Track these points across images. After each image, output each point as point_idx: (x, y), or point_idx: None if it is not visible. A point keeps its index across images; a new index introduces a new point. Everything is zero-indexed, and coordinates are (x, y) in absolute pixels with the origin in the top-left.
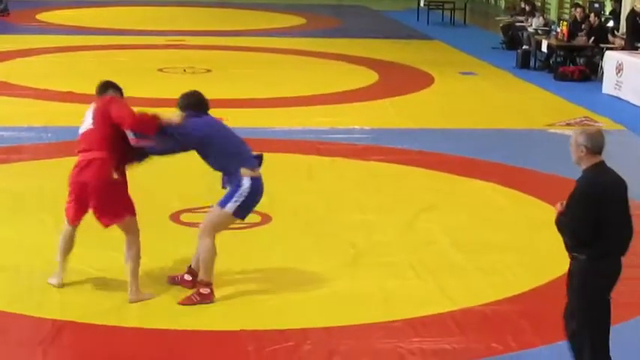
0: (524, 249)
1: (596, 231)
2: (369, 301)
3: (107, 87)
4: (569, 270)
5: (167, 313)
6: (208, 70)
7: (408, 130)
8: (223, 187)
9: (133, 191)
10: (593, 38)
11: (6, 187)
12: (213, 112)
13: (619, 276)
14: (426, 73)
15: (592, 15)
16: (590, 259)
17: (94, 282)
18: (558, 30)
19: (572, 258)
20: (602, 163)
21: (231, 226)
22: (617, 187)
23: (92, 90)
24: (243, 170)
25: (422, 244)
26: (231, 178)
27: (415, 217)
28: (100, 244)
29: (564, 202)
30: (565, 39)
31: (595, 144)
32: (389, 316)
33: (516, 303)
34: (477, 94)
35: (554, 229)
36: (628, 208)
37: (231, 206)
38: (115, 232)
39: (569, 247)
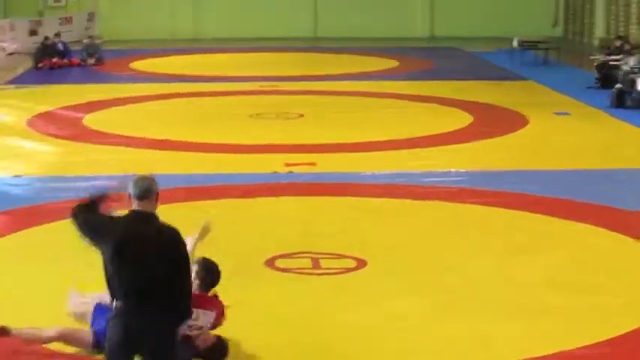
0: (622, 291)
1: None
2: (468, 344)
3: None
4: None
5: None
6: (301, 115)
7: (503, 171)
8: None
9: (229, 236)
10: None
11: None
12: (307, 157)
13: None
14: (520, 114)
15: None
16: None
17: None
18: None
19: None
20: None
21: (327, 271)
22: None
23: (187, 137)
24: None
25: (518, 286)
26: None
27: (511, 258)
28: None
29: None
30: None
31: None
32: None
33: (616, 346)
34: (571, 134)
35: None
36: None
37: None
38: None
39: None
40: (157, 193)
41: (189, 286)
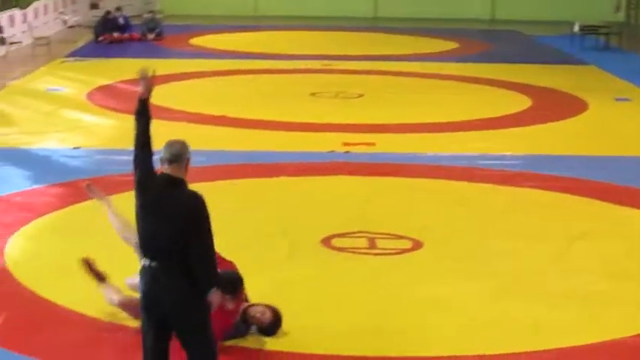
0: None
1: None
2: (519, 329)
3: None
4: None
5: (316, 338)
6: (360, 95)
7: (561, 156)
8: None
9: (286, 214)
10: None
11: None
12: (366, 137)
13: None
14: (579, 99)
15: None
16: None
17: None
18: None
19: None
20: None
21: (383, 251)
22: None
23: (246, 113)
24: None
25: (574, 273)
26: None
27: (567, 245)
28: None
29: None
30: None
31: None
32: (539, 346)
33: None
34: (632, 120)
35: None
36: None
37: None
38: None
39: None
40: (188, 159)
41: (209, 253)
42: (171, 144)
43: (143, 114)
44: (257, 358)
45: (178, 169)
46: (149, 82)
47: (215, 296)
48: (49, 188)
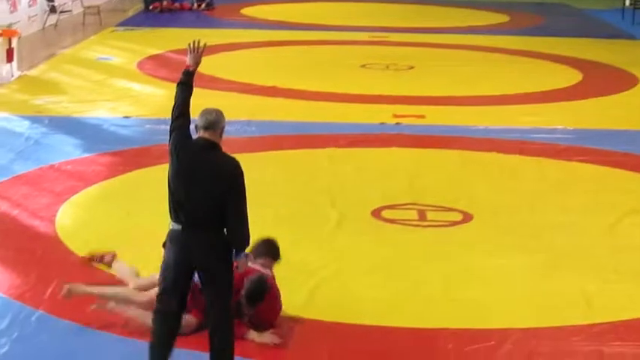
0: None
1: None
2: (570, 303)
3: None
4: None
5: (367, 308)
6: (411, 67)
7: (611, 131)
8: None
9: (336, 187)
10: None
11: None
12: (416, 109)
13: None
14: (630, 74)
15: None
16: None
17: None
18: None
19: None
20: None
21: (433, 223)
22: None
23: (296, 84)
24: None
25: (625, 248)
26: None
27: (618, 219)
28: None
29: None
30: None
31: None
32: (590, 319)
33: None
34: None
35: None
36: None
37: None
38: None
39: None
40: (223, 127)
41: (243, 217)
42: (207, 112)
43: (187, 84)
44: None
45: (214, 135)
46: (198, 54)
47: (243, 260)
48: (98, 157)
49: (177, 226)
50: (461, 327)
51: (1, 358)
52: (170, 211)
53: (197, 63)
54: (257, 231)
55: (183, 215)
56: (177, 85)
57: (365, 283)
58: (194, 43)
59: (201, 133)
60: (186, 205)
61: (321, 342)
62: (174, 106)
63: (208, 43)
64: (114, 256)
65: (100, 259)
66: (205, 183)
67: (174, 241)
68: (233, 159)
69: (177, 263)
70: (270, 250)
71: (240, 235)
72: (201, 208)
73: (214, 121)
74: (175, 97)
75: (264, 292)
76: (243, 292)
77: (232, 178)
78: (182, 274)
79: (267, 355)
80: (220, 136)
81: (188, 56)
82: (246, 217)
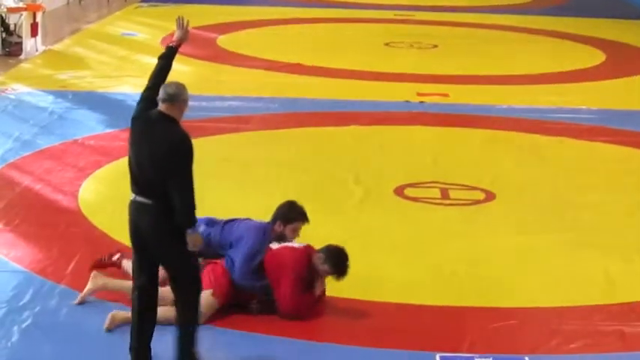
0: None
1: None
2: (592, 282)
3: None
4: None
5: (390, 286)
6: (435, 46)
7: (635, 111)
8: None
9: (360, 165)
10: None
11: (234, 156)
12: (439, 88)
13: None
14: None
15: None
16: None
17: None
18: None
19: None
20: None
21: (455, 201)
22: None
23: (320, 62)
24: None
25: None
26: None
27: None
28: None
29: None
30: None
31: None
32: (611, 299)
33: None
34: None
35: None
36: None
37: None
38: None
39: None
40: (183, 100)
41: (186, 194)
42: (167, 85)
43: (167, 59)
44: (324, 306)
45: (172, 109)
46: (185, 31)
47: (192, 237)
48: (122, 132)
49: (132, 196)
50: (483, 305)
51: (24, 332)
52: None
53: (183, 39)
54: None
55: (133, 185)
56: (158, 58)
57: (387, 260)
58: (181, 19)
59: (159, 106)
60: (135, 175)
61: (342, 319)
62: (149, 77)
63: (233, 20)
64: (122, 255)
65: (109, 259)
66: (150, 155)
67: (128, 212)
68: (181, 134)
69: (131, 235)
70: (298, 211)
71: (181, 212)
72: (146, 180)
73: (173, 94)
74: (154, 68)
75: (347, 258)
76: (329, 271)
77: (175, 153)
78: (138, 247)
79: (288, 331)
80: (180, 110)
81: (176, 32)
82: (189, 193)
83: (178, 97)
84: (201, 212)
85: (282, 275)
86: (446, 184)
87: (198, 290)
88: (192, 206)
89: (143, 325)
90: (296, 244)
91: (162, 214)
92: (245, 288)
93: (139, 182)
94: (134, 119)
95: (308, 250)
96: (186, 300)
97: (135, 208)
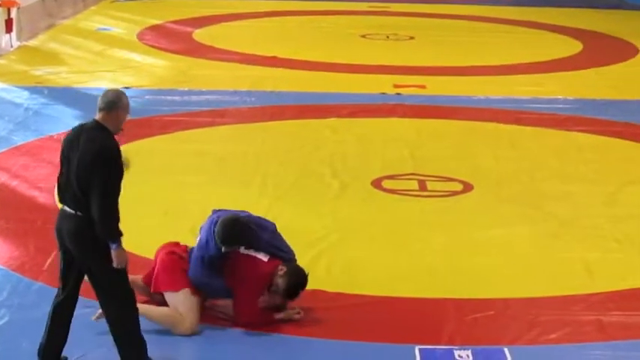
0: None
1: None
2: (571, 272)
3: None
4: None
5: (368, 279)
6: (411, 37)
7: (612, 100)
8: None
9: (337, 157)
10: None
11: (210, 150)
12: (416, 79)
13: None
14: (630, 44)
15: None
16: None
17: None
18: None
19: None
20: None
21: (433, 193)
22: None
23: (296, 55)
24: None
25: (626, 217)
26: None
27: (619, 189)
28: None
29: None
30: None
31: None
32: (590, 289)
33: None
34: None
35: None
36: None
37: None
38: None
39: None
40: (119, 109)
41: (102, 205)
42: (105, 92)
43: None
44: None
45: (106, 118)
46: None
47: (116, 253)
48: None
49: (60, 205)
50: (462, 297)
51: (1, 329)
52: None
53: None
54: (260, 200)
55: (60, 195)
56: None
57: (366, 253)
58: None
59: (96, 115)
60: (61, 185)
61: (322, 312)
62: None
63: (209, 14)
64: None
65: None
66: (72, 165)
67: (57, 218)
68: (105, 143)
69: (58, 244)
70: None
71: (100, 223)
72: (69, 192)
73: (107, 101)
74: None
75: (304, 285)
76: (280, 286)
77: (95, 163)
78: (62, 257)
79: (268, 326)
80: (118, 118)
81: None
82: (108, 204)
83: (115, 104)
84: (178, 208)
85: (239, 286)
86: (423, 175)
87: (129, 306)
88: (111, 218)
89: (50, 336)
90: (265, 257)
91: (85, 230)
92: (199, 286)
93: (62, 193)
94: (64, 140)
95: (273, 269)
96: (116, 318)
97: (59, 221)
